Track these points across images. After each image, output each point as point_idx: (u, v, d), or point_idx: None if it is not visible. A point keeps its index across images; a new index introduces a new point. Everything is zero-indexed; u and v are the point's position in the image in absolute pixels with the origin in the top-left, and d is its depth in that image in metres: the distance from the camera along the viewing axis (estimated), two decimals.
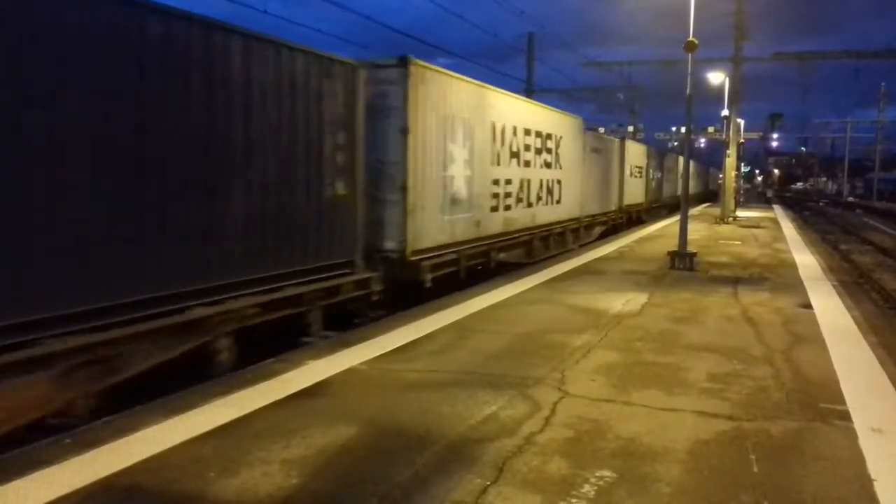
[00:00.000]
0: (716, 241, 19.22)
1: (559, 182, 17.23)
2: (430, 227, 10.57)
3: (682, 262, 13.18)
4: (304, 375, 5.95)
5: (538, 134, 15.59)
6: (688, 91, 14.03)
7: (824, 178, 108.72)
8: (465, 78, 11.79)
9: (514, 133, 14.10)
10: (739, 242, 18.90)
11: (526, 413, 5.06)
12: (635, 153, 28.37)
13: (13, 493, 3.71)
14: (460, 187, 11.58)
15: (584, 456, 4.30)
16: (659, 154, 36.25)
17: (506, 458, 4.24)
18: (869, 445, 4.54)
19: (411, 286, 10.16)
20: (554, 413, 5.07)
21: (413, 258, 10.05)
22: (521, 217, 14.63)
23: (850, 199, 71.77)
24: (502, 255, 13.60)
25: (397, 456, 4.26)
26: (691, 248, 13.77)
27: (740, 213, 31.04)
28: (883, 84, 64.42)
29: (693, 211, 32.61)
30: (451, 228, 11.34)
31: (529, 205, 15.19)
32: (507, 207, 13.87)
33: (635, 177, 28.00)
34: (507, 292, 10.29)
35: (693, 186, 42.47)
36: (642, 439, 4.58)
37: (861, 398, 5.52)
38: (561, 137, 17.18)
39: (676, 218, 20.77)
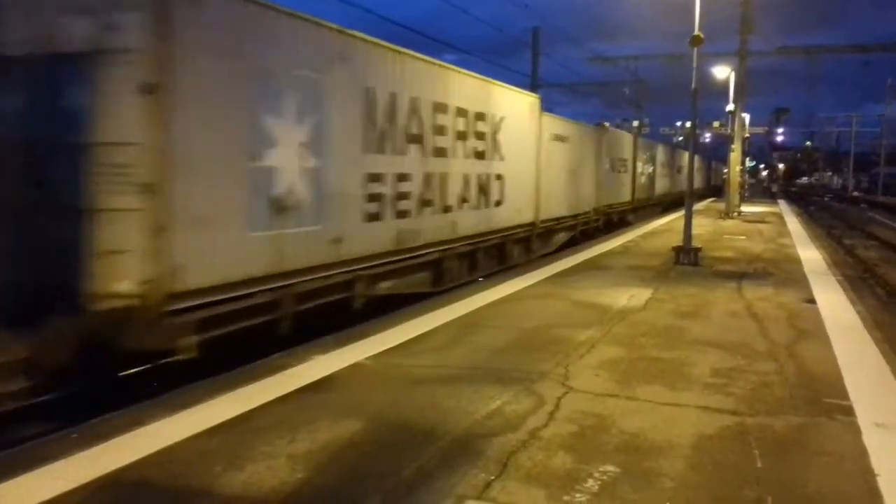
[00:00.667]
0: (720, 236, 19.19)
1: (500, 178, 13.28)
2: (219, 251, 6.55)
3: (687, 258, 13.17)
4: (309, 370, 5.97)
5: (461, 112, 11.53)
6: (693, 85, 14.01)
7: (829, 173, 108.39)
8: (299, 14, 7.69)
9: (415, 109, 10.06)
10: (744, 237, 18.86)
11: (530, 408, 5.08)
12: (619, 143, 24.73)
13: (20, 487, 3.74)
14: (294, 186, 7.55)
15: (588, 451, 4.32)
16: (650, 145, 32.44)
17: (510, 452, 4.26)
18: (872, 441, 4.54)
19: (159, 359, 6.44)
20: (558, 408, 5.09)
21: (167, 308, 5.97)
22: (428, 227, 10.52)
23: (856, 193, 71.55)
24: (386, 285, 9.48)
25: (402, 450, 4.28)
26: (696, 244, 13.74)
27: (745, 208, 30.96)
28: (889, 79, 64.09)
29: (697, 206, 32.50)
30: (273, 251, 7.24)
31: (446, 209, 11.13)
32: (402, 214, 9.77)
33: (619, 171, 24.36)
34: (512, 287, 10.30)
35: (694, 181, 41.19)
36: (646, 434, 4.59)
37: (865, 393, 5.52)
38: (502, 119, 13.28)
39: (681, 213, 20.72)
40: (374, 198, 9.10)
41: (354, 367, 6.12)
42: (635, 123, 47.86)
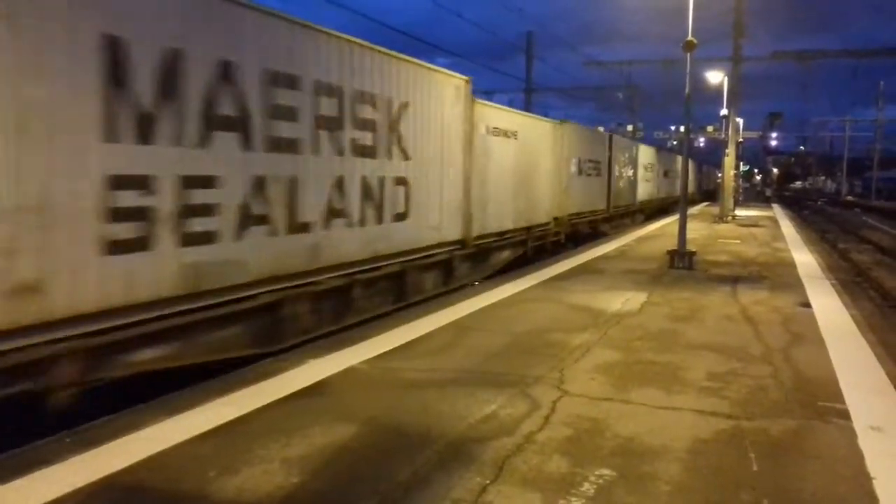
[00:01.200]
0: (715, 240, 19.23)
1: (403, 183, 10.08)
2: None
3: (682, 261, 13.19)
4: (304, 374, 5.96)
5: (327, 90, 8.26)
6: (686, 90, 14.04)
7: (823, 177, 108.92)
8: None
9: (229, 78, 6.82)
10: (738, 241, 18.91)
11: (525, 412, 5.07)
12: (589, 142, 21.31)
13: (14, 492, 3.72)
14: None
15: (583, 454, 4.31)
16: (629, 145, 29.05)
17: (505, 456, 4.25)
18: (868, 444, 4.55)
19: None
20: (553, 412, 5.08)
21: None
22: (261, 256, 7.31)
23: (849, 197, 71.88)
24: (145, 357, 6.04)
25: (397, 455, 4.27)
26: (690, 247, 13.78)
27: (739, 212, 31.07)
28: (881, 83, 64.55)
29: (691, 211, 32.57)
30: None
31: (299, 228, 7.87)
32: (201, 239, 6.55)
33: (589, 175, 21.07)
34: (506, 291, 10.29)
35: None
36: (642, 438, 4.59)
37: (860, 397, 5.53)
38: (406, 104, 10.09)
39: (672, 218, 20.74)
40: (126, 214, 5.82)
41: (349, 371, 6.10)
42: (629, 127, 48.12)
